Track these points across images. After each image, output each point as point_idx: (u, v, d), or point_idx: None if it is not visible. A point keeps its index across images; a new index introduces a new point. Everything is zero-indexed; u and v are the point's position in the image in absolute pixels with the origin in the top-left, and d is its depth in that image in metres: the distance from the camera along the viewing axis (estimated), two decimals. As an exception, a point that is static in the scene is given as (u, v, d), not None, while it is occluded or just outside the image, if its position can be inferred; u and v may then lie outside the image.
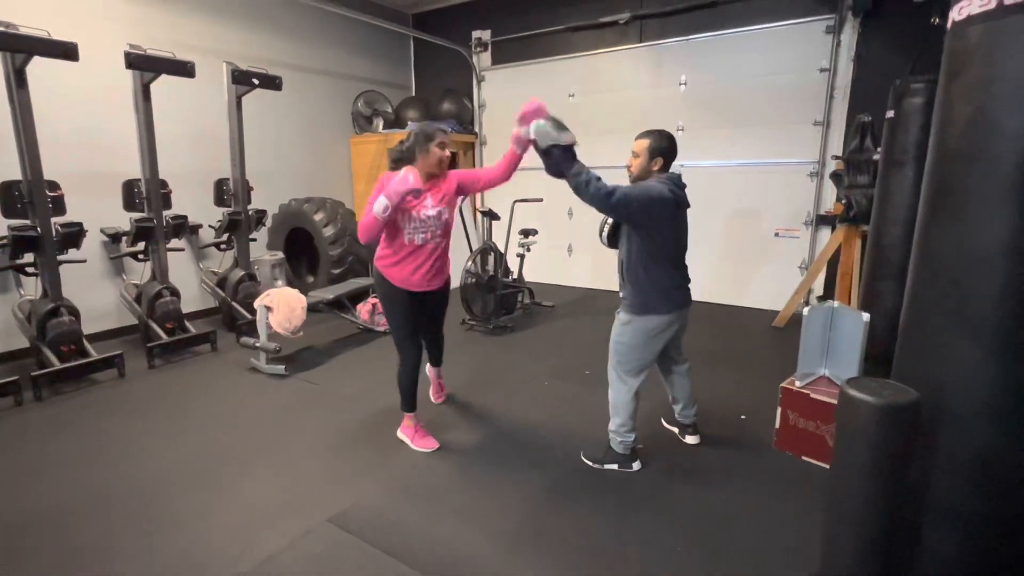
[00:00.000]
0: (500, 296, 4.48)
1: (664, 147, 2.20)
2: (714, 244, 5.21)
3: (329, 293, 4.13)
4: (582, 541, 1.98)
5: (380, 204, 2.23)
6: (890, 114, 3.13)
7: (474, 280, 4.32)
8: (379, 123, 6.15)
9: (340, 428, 2.87)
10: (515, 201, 4.66)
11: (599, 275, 5.93)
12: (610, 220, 2.39)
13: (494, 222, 4.66)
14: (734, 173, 5.04)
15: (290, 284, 4.94)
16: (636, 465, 2.35)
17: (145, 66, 3.42)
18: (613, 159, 5.59)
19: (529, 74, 6.00)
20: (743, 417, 2.91)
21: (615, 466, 2.36)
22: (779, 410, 2.55)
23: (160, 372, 3.68)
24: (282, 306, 3.59)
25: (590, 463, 2.41)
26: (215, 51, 4.63)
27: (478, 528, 2.06)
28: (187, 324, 4.05)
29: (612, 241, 2.39)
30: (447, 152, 2.38)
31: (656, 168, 2.22)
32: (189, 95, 4.42)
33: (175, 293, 4.01)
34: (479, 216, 5.70)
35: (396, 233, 2.38)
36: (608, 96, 5.57)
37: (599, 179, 2.10)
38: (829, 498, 1.30)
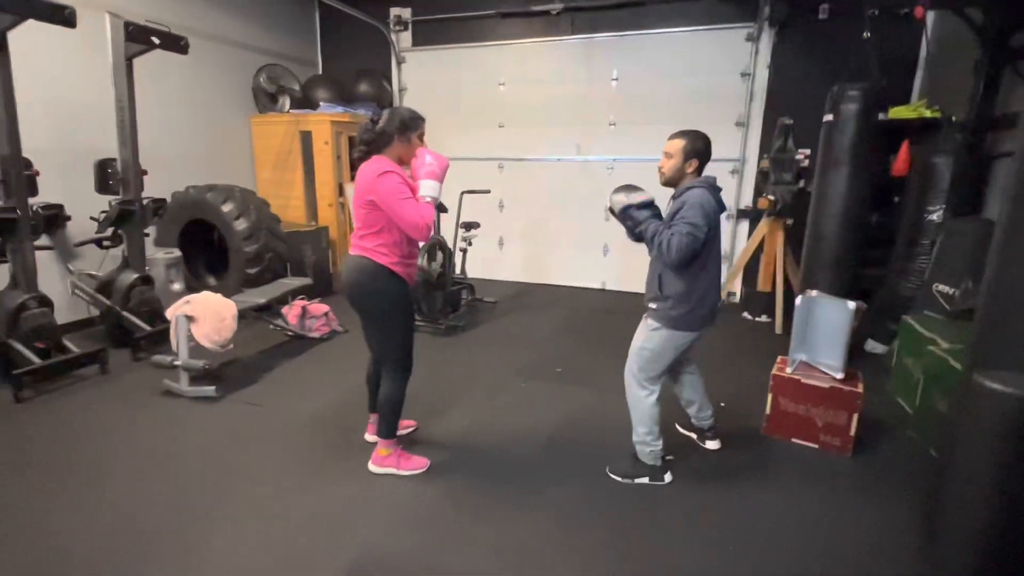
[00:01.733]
0: (448, 294, 4.21)
1: (700, 148, 2.13)
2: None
3: (259, 297, 3.54)
4: (628, 567, 1.88)
5: (432, 187, 2.02)
6: (828, 118, 3.43)
7: (424, 277, 3.99)
8: (285, 102, 5.44)
9: (305, 458, 2.45)
10: (463, 192, 4.40)
11: (531, 269, 5.86)
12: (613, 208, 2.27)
13: (441, 215, 4.35)
14: (663, 168, 5.25)
15: (190, 288, 4.18)
16: (668, 477, 2.27)
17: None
18: (546, 151, 5.56)
19: (456, 59, 5.70)
20: (722, 404, 3.01)
21: (646, 479, 2.27)
22: (770, 396, 2.66)
23: (34, 407, 2.87)
24: (208, 315, 2.99)
25: (620, 479, 2.29)
26: (90, 2, 3.70)
27: (531, 566, 1.86)
28: (65, 342, 3.22)
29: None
30: (424, 143, 2.16)
31: (691, 170, 2.15)
32: (52, 52, 3.49)
33: (46, 303, 3.15)
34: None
35: None
36: (540, 88, 5.48)
37: (667, 231, 2.03)
38: (948, 488, 1.32)
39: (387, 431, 2.27)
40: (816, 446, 2.57)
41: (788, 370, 2.62)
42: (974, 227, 3.15)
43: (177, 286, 4.17)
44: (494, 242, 5.95)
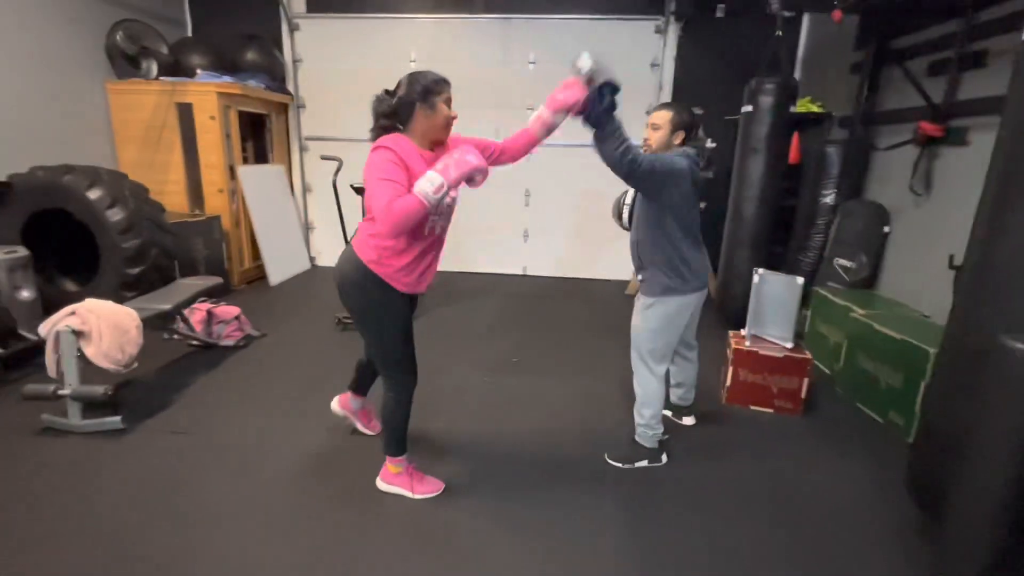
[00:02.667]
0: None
1: (687, 121, 2.14)
2: (568, 221, 5.47)
3: (161, 302, 2.91)
4: (676, 552, 1.89)
5: (432, 183, 1.62)
6: (748, 108, 3.72)
7: (358, 271, 3.61)
8: (151, 66, 4.54)
9: (273, 485, 2.10)
10: None
11: (449, 257, 5.58)
12: (628, 200, 2.26)
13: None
14: (582, 154, 5.33)
15: (44, 297, 3.37)
16: (664, 457, 2.31)
17: None
18: (463, 134, 5.35)
19: (360, 30, 5.21)
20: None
21: (645, 462, 2.29)
22: (730, 369, 2.85)
23: None
24: (105, 329, 2.40)
25: (620, 464, 2.29)
26: None
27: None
28: None
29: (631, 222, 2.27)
30: (454, 112, 1.86)
31: (677, 142, 2.15)
32: None
33: None
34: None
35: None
36: (454, 67, 5.12)
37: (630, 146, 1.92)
38: (977, 435, 1.48)
39: (393, 448, 2.02)
40: (771, 411, 2.81)
41: (746, 344, 2.82)
42: (865, 208, 3.65)
43: (26, 294, 3.30)
44: (519, 235, 5.60)
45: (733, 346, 2.84)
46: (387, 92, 1.83)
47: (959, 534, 1.54)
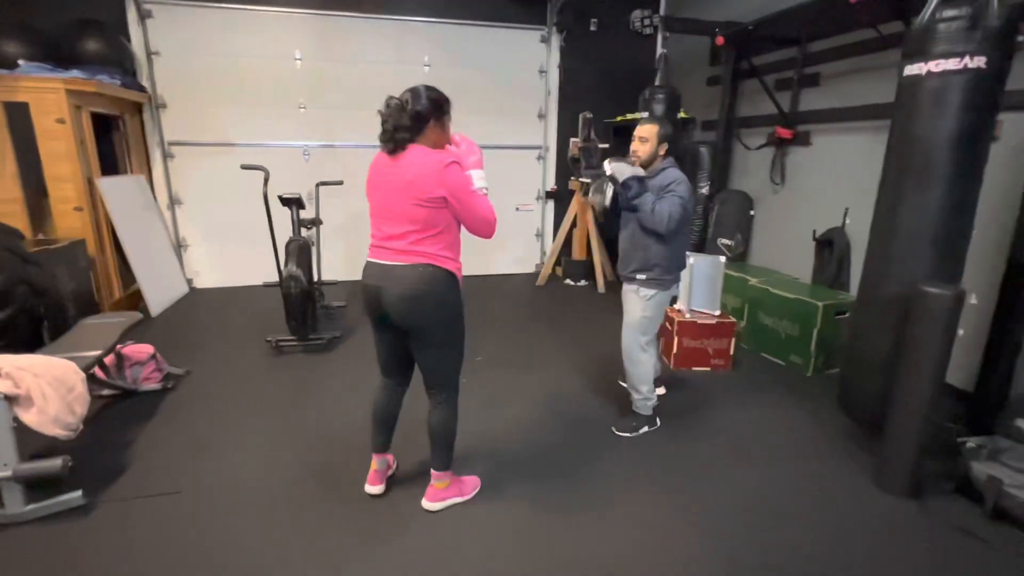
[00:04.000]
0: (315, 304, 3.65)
1: (671, 134, 2.48)
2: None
3: (88, 348, 2.39)
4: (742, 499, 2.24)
5: (484, 179, 1.83)
6: (644, 115, 4.29)
7: (299, 287, 3.35)
8: (-48, 56, 3.55)
9: (313, 530, 1.98)
10: (318, 184, 3.77)
11: (357, 265, 5.40)
12: (608, 193, 2.48)
13: (301, 211, 3.67)
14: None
15: None
16: (658, 421, 2.67)
17: None
18: (361, 137, 5.14)
19: (231, 22, 4.67)
20: (626, 356, 3.60)
21: (646, 428, 2.62)
22: (675, 338, 3.34)
23: None
24: (48, 389, 1.96)
25: (628, 435, 2.59)
26: None
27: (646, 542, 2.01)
28: None
29: (614, 211, 2.53)
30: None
31: (662, 153, 2.48)
32: None
33: None
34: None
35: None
36: (344, 67, 5.01)
37: (663, 202, 2.34)
38: (906, 361, 2.07)
39: (446, 462, 2.02)
40: (709, 368, 3.38)
41: (687, 316, 3.34)
42: (736, 196, 4.49)
43: None
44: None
45: (676, 320, 3.33)
46: (400, 103, 1.77)
47: (897, 431, 2.15)
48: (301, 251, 3.42)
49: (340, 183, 3.99)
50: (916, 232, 2.18)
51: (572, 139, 5.66)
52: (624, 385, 3.10)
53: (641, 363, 2.57)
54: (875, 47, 3.26)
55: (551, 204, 5.88)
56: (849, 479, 2.29)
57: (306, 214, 3.86)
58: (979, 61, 1.96)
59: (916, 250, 2.19)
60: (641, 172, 2.39)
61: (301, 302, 3.36)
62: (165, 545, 1.85)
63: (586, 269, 5.45)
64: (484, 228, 1.84)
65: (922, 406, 2.06)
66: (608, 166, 2.40)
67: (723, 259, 3.37)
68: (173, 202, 4.91)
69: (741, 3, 4.29)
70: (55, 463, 1.90)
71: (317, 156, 5.10)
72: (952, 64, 2.00)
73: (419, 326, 1.84)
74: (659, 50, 4.35)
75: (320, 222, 4.01)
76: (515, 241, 5.86)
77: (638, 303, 2.54)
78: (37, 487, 1.97)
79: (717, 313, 3.38)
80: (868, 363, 2.36)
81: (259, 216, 5.01)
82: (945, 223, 2.13)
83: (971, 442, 2.17)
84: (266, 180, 3.34)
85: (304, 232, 3.92)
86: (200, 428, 2.61)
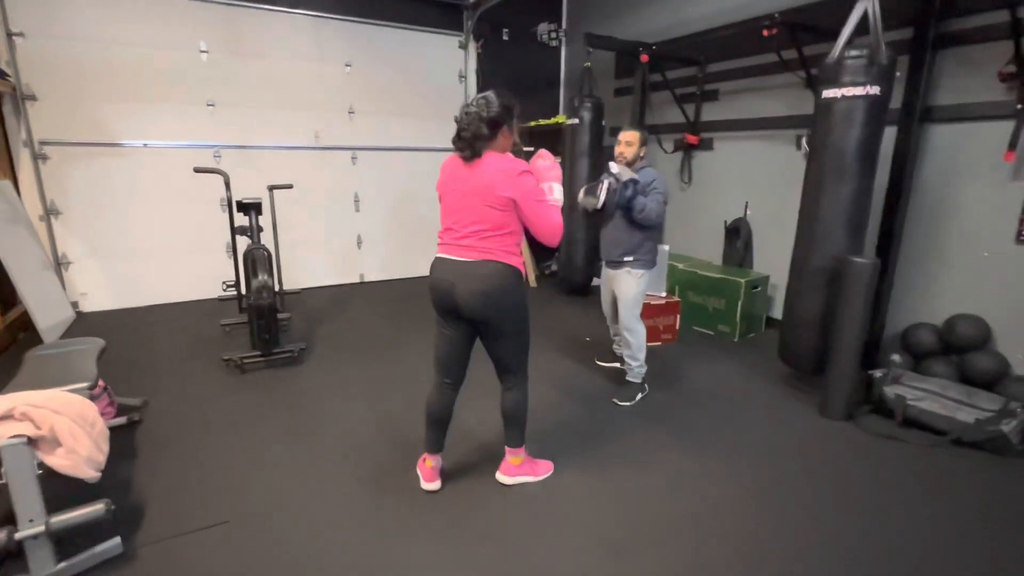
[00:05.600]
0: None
1: (648, 136, 2.90)
2: (385, 225, 5.55)
3: (79, 379, 2.03)
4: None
5: (561, 192, 1.97)
6: (574, 121, 4.71)
7: (271, 298, 3.13)
8: None
9: (394, 525, 2.01)
10: (270, 187, 3.50)
11: (284, 274, 5.06)
12: (605, 188, 2.78)
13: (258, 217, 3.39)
14: (403, 158, 5.50)
15: None
16: (647, 387, 3.05)
17: None
18: (277, 138, 4.81)
19: (130, 4, 4.09)
20: (587, 339, 3.97)
21: (640, 395, 2.99)
22: (633, 320, 3.79)
23: None
24: (75, 428, 1.70)
25: (628, 404, 2.93)
26: None
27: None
28: None
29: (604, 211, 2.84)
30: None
31: (642, 154, 2.87)
32: None
33: None
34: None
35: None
36: (259, 62, 4.66)
37: (650, 200, 2.71)
38: (841, 317, 2.70)
39: (521, 438, 2.17)
40: (660, 343, 3.90)
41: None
42: (650, 194, 5.12)
43: None
44: (220, 250, 4.78)
45: (633, 302, 3.78)
46: (475, 107, 1.89)
47: (835, 371, 2.79)
48: (266, 261, 3.20)
49: (290, 187, 3.75)
50: (834, 217, 2.85)
51: (491, 142, 5.91)
52: (602, 364, 3.48)
53: (639, 332, 2.95)
54: (772, 71, 3.96)
55: (473, 205, 6.05)
56: (798, 410, 2.91)
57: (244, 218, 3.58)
58: (875, 89, 2.65)
59: (834, 230, 2.86)
60: (636, 176, 2.75)
61: (272, 314, 3.15)
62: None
63: (515, 265, 5.73)
64: (549, 234, 1.97)
65: (855, 350, 2.73)
66: (614, 167, 2.72)
67: (667, 248, 3.90)
68: (49, 212, 4.15)
69: (643, 23, 4.92)
70: (97, 508, 1.66)
71: (231, 158, 4.67)
72: (857, 91, 2.66)
73: (490, 318, 1.96)
74: (585, 63, 4.77)
75: (262, 229, 3.73)
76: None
77: (632, 282, 2.91)
78: (67, 540, 1.70)
79: (664, 295, 3.91)
80: (804, 321, 3.01)
81: (160, 227, 4.53)
82: (855, 209, 2.82)
83: (877, 373, 2.90)
84: (227, 185, 3.07)
85: (240, 239, 3.64)
86: (203, 456, 2.38)
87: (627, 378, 3.03)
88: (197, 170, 3.18)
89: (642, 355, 2.97)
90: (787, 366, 3.21)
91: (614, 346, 3.44)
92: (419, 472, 2.21)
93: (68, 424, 1.68)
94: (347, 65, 5.03)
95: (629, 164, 2.87)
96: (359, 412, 2.82)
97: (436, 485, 2.17)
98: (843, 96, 2.70)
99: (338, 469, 2.31)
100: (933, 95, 3.15)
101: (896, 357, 3.03)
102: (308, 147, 5.00)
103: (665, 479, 2.29)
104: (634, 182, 2.73)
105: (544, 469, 2.30)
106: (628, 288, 2.92)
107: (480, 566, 1.79)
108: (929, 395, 2.73)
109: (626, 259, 2.89)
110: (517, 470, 2.20)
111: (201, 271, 4.71)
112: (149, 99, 4.29)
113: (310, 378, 3.22)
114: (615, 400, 2.98)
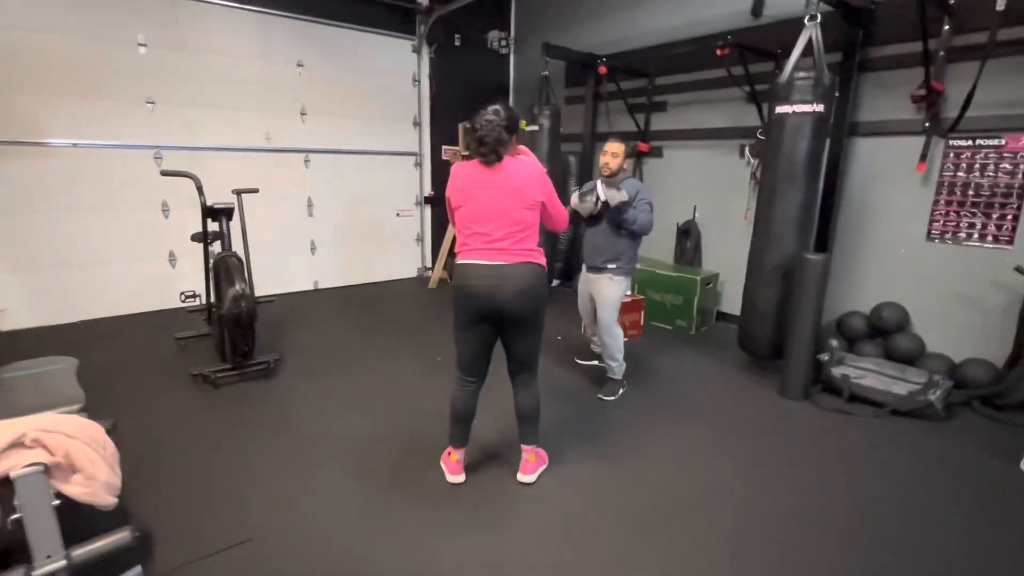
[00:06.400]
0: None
1: (632, 150, 3.07)
2: (342, 229, 5.43)
3: (65, 401, 1.84)
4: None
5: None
6: (534, 128, 4.86)
7: (250, 307, 2.98)
8: None
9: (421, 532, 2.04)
10: (236, 191, 3.31)
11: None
12: (600, 194, 2.93)
13: (228, 223, 3.20)
14: (357, 161, 5.39)
15: None
16: (626, 383, 3.24)
17: None
18: (225, 139, 4.56)
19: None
20: (559, 338, 4.12)
21: (622, 390, 3.17)
22: (603, 318, 3.99)
23: None
24: (90, 452, 1.59)
25: (612, 398, 3.10)
26: None
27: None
28: None
29: (594, 218, 2.99)
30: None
31: (626, 166, 3.04)
32: None
33: None
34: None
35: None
36: (203, 59, 4.39)
37: (639, 211, 2.88)
38: (797, 307, 3.03)
39: (537, 436, 2.26)
40: (628, 339, 4.10)
41: (610, 297, 4.02)
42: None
43: None
44: (163, 258, 4.45)
45: (602, 301, 3.98)
46: (493, 118, 1.97)
47: (793, 356, 3.13)
48: (240, 268, 3.05)
49: (256, 191, 3.57)
50: (786, 219, 3.20)
51: (444, 146, 5.95)
52: (581, 363, 3.65)
53: (617, 335, 3.12)
54: (717, 85, 4.32)
55: (428, 209, 6.05)
56: (762, 393, 3.23)
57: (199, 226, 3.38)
58: (820, 107, 3.01)
59: (787, 231, 3.20)
60: (627, 197, 2.83)
61: (251, 325, 3.01)
62: (288, 587, 1.70)
63: (473, 269, 5.79)
64: (562, 224, 2.20)
65: (809, 337, 3.07)
66: (602, 193, 2.79)
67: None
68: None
69: (593, 35, 5.18)
70: (122, 536, 1.56)
71: (172, 159, 4.36)
72: (806, 108, 3.02)
73: (526, 316, 2.05)
74: (543, 72, 4.91)
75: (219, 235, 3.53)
76: (395, 246, 5.86)
77: (612, 287, 3.08)
78: (84, 572, 1.57)
79: (630, 293, 4.15)
80: (761, 313, 3.34)
81: (93, 234, 4.18)
82: (804, 212, 3.18)
83: (824, 356, 3.28)
84: (200, 189, 2.90)
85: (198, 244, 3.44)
86: (199, 476, 2.26)
87: (608, 375, 3.20)
88: (164, 173, 2.97)
89: (620, 355, 3.16)
90: (746, 353, 3.54)
91: (592, 345, 3.61)
92: (443, 466, 2.27)
93: (84, 448, 1.56)
94: (299, 65, 4.86)
95: (613, 175, 3.03)
96: (353, 420, 2.77)
97: (461, 478, 2.24)
98: (794, 112, 3.05)
99: (349, 478, 2.28)
100: (858, 112, 3.61)
101: (834, 342, 3.45)
102: (258, 149, 4.78)
103: (666, 462, 2.48)
104: (628, 204, 2.86)
105: (544, 452, 2.41)
106: (608, 293, 3.09)
107: (514, 556, 1.86)
108: (869, 373, 3.13)
109: (609, 266, 3.05)
110: (535, 465, 2.29)
111: (142, 282, 4.36)
112: (80, 94, 3.93)
113: (289, 390, 3.11)
114: (600, 396, 3.14)
